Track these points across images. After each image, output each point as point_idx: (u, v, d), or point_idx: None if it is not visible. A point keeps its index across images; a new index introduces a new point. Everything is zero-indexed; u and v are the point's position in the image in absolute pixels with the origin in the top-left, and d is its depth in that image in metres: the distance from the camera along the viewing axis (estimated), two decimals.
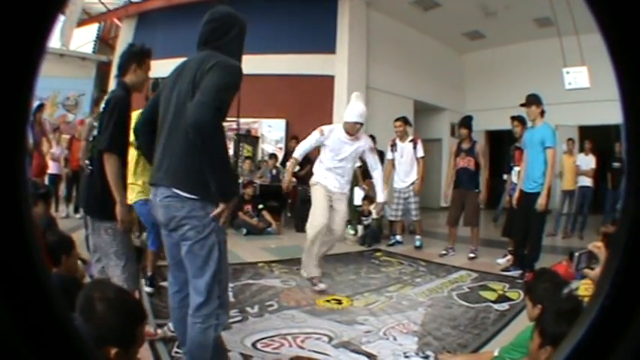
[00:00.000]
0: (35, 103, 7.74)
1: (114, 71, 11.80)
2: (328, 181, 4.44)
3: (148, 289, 3.92)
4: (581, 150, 8.94)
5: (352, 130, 4.36)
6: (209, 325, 2.11)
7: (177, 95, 2.12)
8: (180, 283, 2.30)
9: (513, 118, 5.89)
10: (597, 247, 2.52)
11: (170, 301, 2.41)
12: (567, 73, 9.24)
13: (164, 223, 2.16)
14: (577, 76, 9.16)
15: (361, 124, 4.39)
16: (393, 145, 7.03)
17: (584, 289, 2.58)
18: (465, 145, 6.34)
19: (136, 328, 1.49)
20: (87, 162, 2.85)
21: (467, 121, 6.48)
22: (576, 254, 2.94)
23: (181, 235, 2.10)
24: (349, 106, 4.43)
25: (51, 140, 7.91)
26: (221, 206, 2.05)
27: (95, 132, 2.81)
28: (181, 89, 2.10)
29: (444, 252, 6.38)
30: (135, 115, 3.48)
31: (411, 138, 6.91)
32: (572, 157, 8.57)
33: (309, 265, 4.42)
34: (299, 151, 4.55)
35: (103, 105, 2.78)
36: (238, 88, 2.10)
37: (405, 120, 7.05)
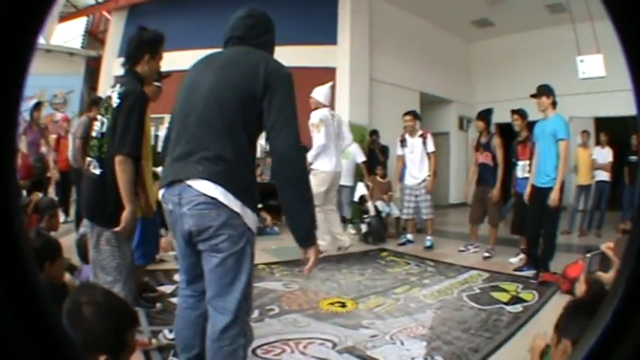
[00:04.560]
0: (32, 102, 7.74)
1: (104, 65, 11.66)
2: None
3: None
4: (597, 143, 8.93)
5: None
6: (237, 345, 1.96)
7: (215, 86, 1.97)
8: (200, 290, 2.10)
9: (514, 112, 5.90)
10: (610, 248, 2.52)
11: (181, 301, 2.21)
12: (581, 61, 9.18)
13: (194, 234, 1.94)
14: (592, 65, 9.10)
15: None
16: (403, 141, 7.00)
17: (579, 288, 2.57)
18: (483, 139, 6.38)
19: (126, 334, 1.47)
20: (93, 162, 2.65)
21: (484, 114, 6.51)
22: (588, 256, 2.92)
23: (213, 246, 1.91)
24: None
25: (50, 141, 7.83)
26: (308, 253, 1.96)
27: (103, 129, 2.62)
28: (225, 81, 1.96)
29: (463, 248, 6.48)
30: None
31: (420, 133, 6.87)
32: (588, 150, 8.56)
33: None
34: None
35: (116, 99, 2.57)
36: None
37: (414, 114, 7.05)
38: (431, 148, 6.79)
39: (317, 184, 5.52)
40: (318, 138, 5.52)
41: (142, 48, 2.71)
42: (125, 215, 2.55)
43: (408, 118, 6.95)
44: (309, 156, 5.52)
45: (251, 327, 2.12)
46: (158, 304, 3.82)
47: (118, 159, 2.50)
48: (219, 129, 1.92)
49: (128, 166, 2.52)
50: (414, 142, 6.84)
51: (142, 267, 3.82)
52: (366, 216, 7.39)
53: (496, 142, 6.25)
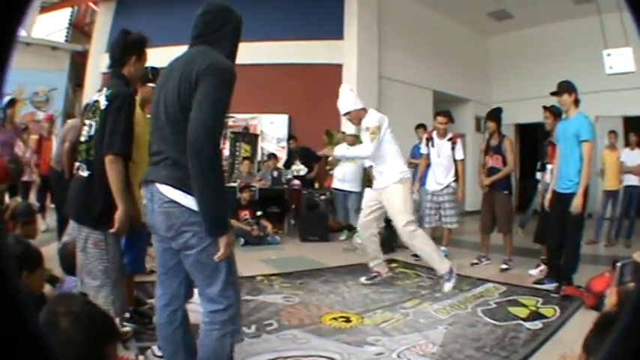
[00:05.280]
0: (6, 99, 7.75)
1: (90, 61, 11.63)
2: None
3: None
4: (627, 144, 8.88)
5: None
6: (226, 331, 2.23)
7: (165, 95, 2.22)
8: (170, 294, 2.40)
9: (545, 108, 5.88)
10: None
11: (157, 316, 2.46)
12: (608, 55, 9.18)
13: (163, 231, 2.22)
14: (620, 59, 9.10)
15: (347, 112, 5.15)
16: (430, 140, 6.81)
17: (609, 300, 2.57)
18: (494, 142, 6.37)
19: (106, 347, 1.46)
20: (82, 166, 2.86)
21: (494, 114, 6.46)
22: (619, 264, 2.92)
23: (183, 244, 2.18)
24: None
25: (26, 141, 7.87)
26: (219, 243, 2.12)
27: (92, 132, 2.83)
28: (171, 88, 2.19)
29: (476, 261, 6.45)
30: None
31: (449, 136, 6.73)
32: (616, 152, 8.50)
33: None
34: None
35: (104, 101, 2.79)
36: (232, 91, 2.18)
37: (449, 115, 6.84)
38: (460, 155, 6.66)
39: (407, 191, 5.11)
40: (389, 144, 5.06)
41: (129, 50, 2.94)
42: (118, 214, 2.73)
43: (442, 119, 6.68)
44: (397, 171, 5.05)
45: (240, 322, 2.36)
46: (154, 319, 3.81)
47: (107, 158, 2.70)
48: (173, 142, 2.17)
49: (118, 165, 2.72)
50: (442, 145, 6.68)
51: (132, 276, 3.85)
52: None
53: (507, 144, 6.25)
